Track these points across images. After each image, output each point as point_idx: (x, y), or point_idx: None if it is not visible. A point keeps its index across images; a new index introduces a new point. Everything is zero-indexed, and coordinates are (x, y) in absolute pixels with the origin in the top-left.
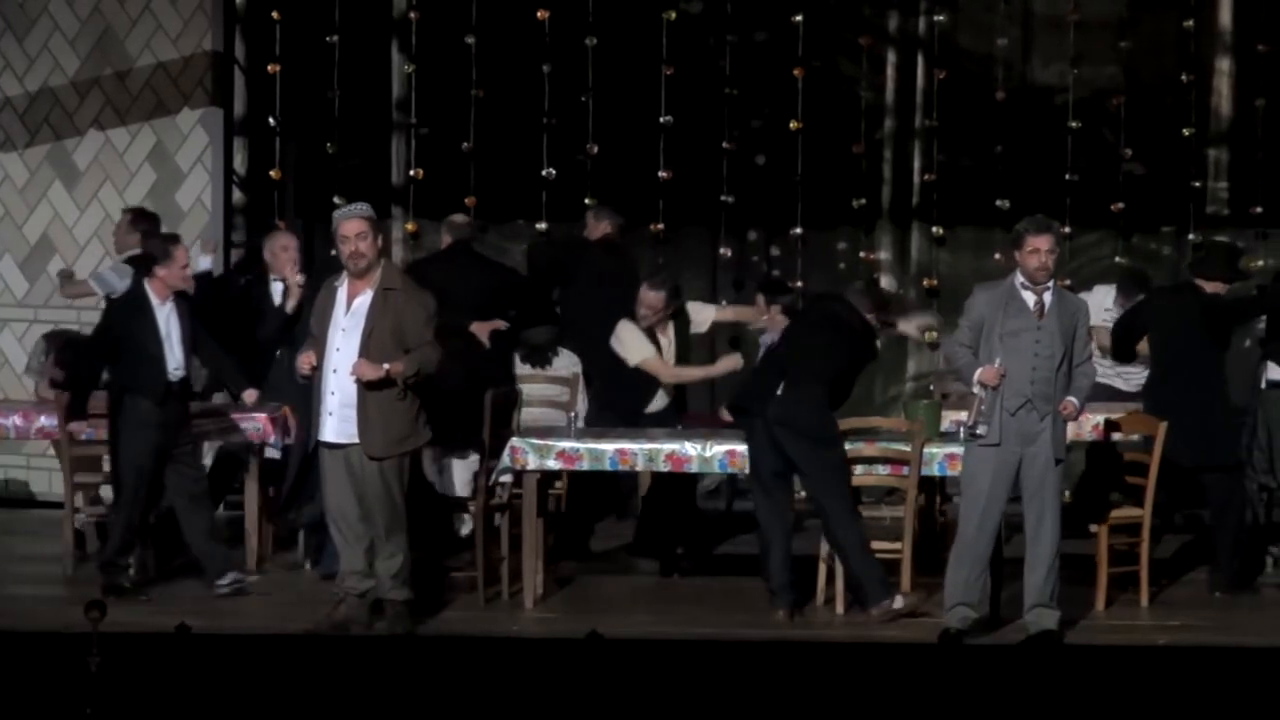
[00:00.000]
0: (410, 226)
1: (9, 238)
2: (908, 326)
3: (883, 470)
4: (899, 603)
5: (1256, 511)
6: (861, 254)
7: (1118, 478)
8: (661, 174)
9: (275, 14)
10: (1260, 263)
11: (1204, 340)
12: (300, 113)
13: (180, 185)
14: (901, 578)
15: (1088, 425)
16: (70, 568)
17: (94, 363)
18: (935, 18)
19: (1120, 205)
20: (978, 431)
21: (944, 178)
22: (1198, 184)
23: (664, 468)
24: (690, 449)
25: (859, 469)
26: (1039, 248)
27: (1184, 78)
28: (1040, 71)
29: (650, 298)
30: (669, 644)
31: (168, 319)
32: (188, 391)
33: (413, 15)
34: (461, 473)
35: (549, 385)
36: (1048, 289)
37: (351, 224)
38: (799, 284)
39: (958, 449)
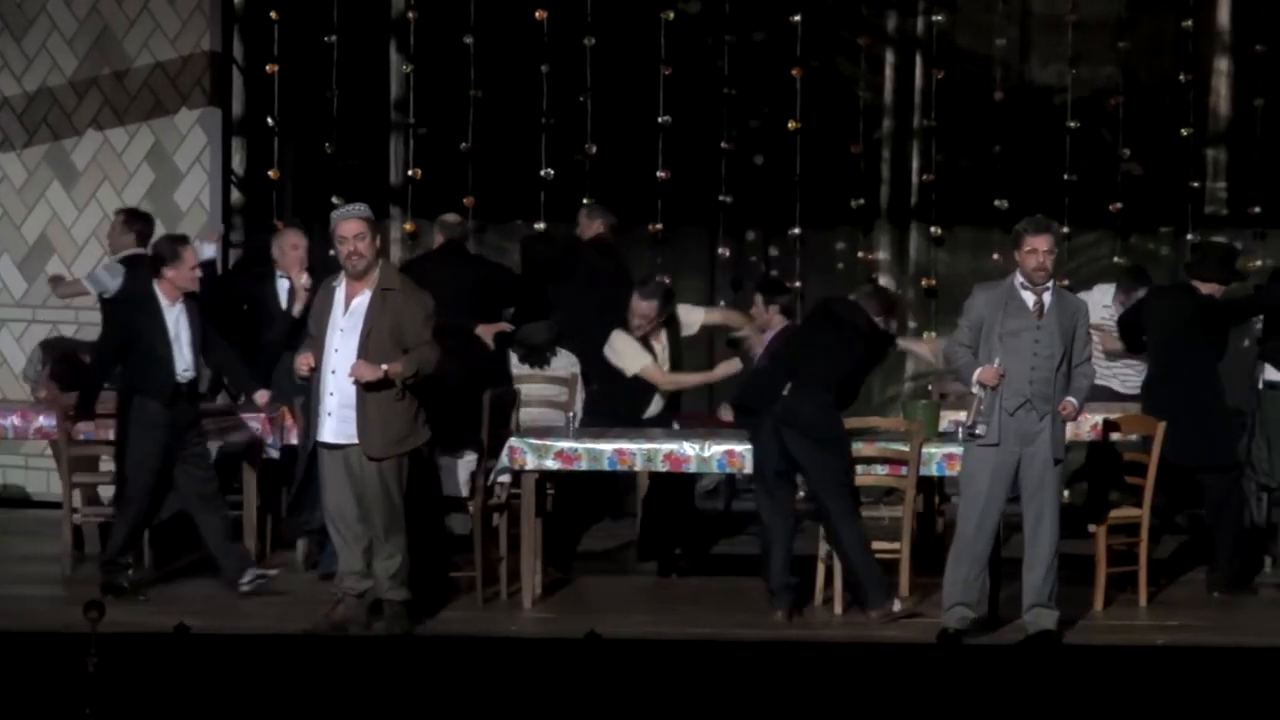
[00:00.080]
0: (409, 226)
1: (7, 238)
2: (921, 350)
3: (881, 470)
4: (898, 606)
5: (1254, 512)
6: (860, 254)
7: (1117, 478)
8: (660, 174)
9: (273, 14)
10: (1259, 262)
11: (1198, 341)
12: (298, 113)
13: (178, 185)
14: (900, 578)
15: (1086, 425)
16: (68, 568)
17: (104, 363)
18: (933, 18)
19: (1118, 205)
20: (977, 431)
21: (942, 178)
22: (1196, 184)
23: (662, 468)
24: (688, 449)
25: (858, 469)
26: (1038, 248)
27: (1182, 78)
28: (1039, 71)
29: (642, 307)
30: (667, 644)
31: (177, 320)
32: (197, 393)
33: (411, 15)
34: (458, 472)
35: (547, 385)
36: (1047, 289)
37: (350, 225)
38: (797, 284)
39: (956, 449)
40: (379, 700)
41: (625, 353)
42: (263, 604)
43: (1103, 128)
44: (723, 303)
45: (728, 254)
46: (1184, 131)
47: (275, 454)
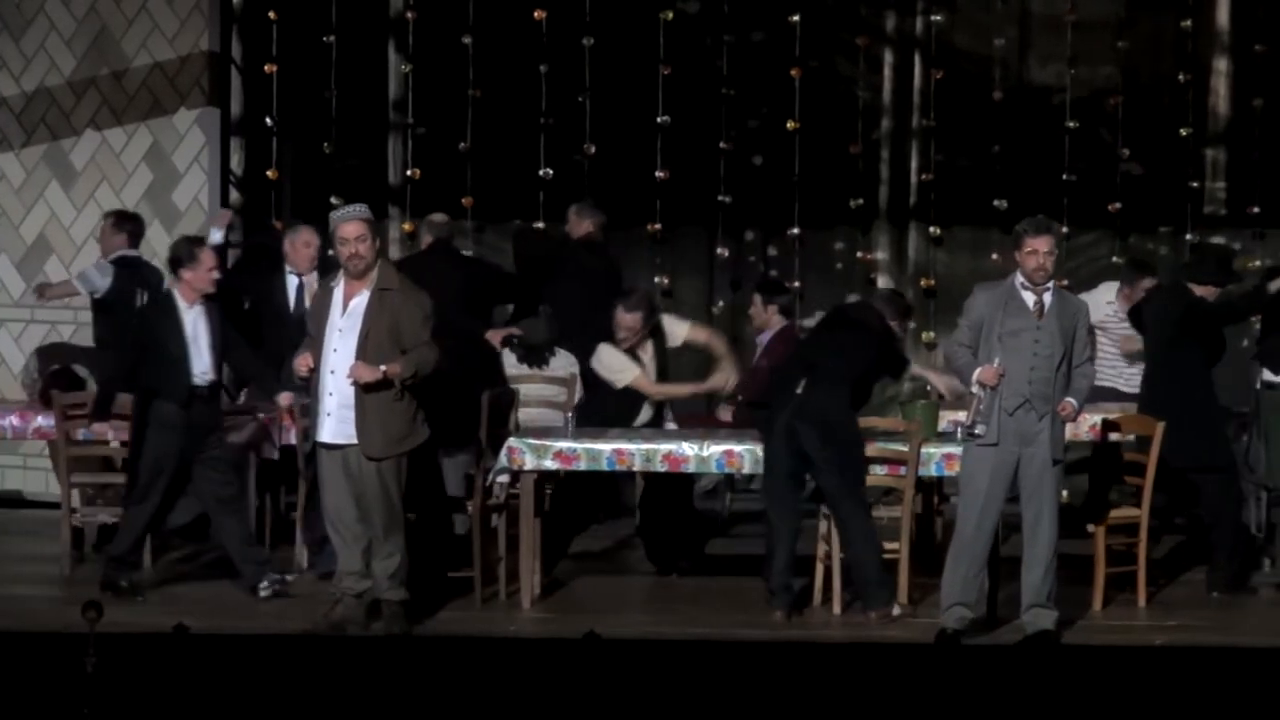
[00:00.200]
0: (407, 226)
1: (5, 238)
2: (936, 381)
3: (880, 470)
4: (897, 610)
5: (1253, 512)
6: (859, 254)
7: (1117, 478)
8: (658, 174)
9: (272, 14)
10: (1257, 263)
11: (1188, 342)
12: (297, 113)
13: (177, 185)
14: (899, 578)
15: (1085, 425)
16: (67, 568)
17: (123, 365)
18: (932, 18)
19: (1118, 205)
20: (976, 431)
21: (941, 178)
22: (1195, 184)
23: (661, 468)
24: (687, 449)
25: None
26: (1038, 249)
27: (1181, 78)
28: (1038, 71)
29: (627, 319)
30: (666, 644)
31: (195, 322)
32: (216, 396)
33: (410, 15)
34: (452, 472)
35: (546, 385)
36: (1047, 289)
37: (350, 226)
38: (796, 284)
39: (955, 449)
40: (377, 700)
41: (613, 365)
42: (261, 604)
43: (1102, 128)
44: (721, 302)
45: (726, 254)
46: (1183, 131)
47: (274, 455)
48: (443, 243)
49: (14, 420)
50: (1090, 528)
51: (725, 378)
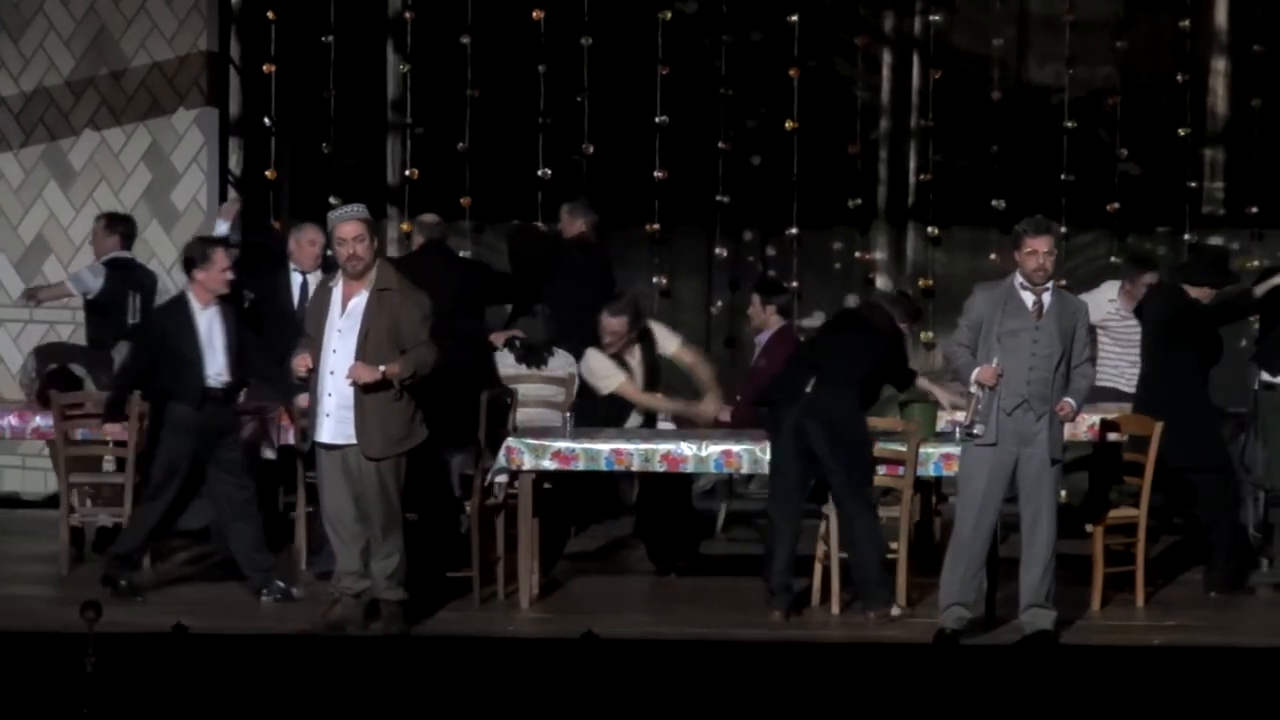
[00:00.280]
0: (405, 227)
1: (4, 238)
2: (942, 396)
3: (879, 470)
4: (896, 611)
5: (1251, 512)
6: (857, 254)
7: (1116, 478)
8: (657, 174)
9: (270, 14)
10: (1255, 263)
11: (1180, 343)
12: (296, 113)
13: (175, 185)
14: (898, 578)
15: (1084, 425)
16: (65, 568)
17: (136, 366)
18: (931, 18)
19: (1116, 205)
20: (974, 431)
21: (940, 178)
22: (1193, 184)
23: (659, 468)
24: (686, 449)
25: None
26: (1037, 249)
27: (1180, 78)
28: (1036, 71)
29: (612, 324)
30: (665, 644)
31: (209, 324)
32: (232, 398)
33: (408, 15)
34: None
35: (544, 385)
36: (1047, 289)
37: (348, 226)
38: (794, 284)
39: (954, 449)
40: (376, 700)
41: (599, 371)
42: (260, 604)
43: (1100, 128)
44: (720, 302)
45: (725, 254)
46: (1181, 131)
47: (272, 454)
48: (435, 243)
49: (12, 420)
50: (1089, 528)
51: (710, 408)
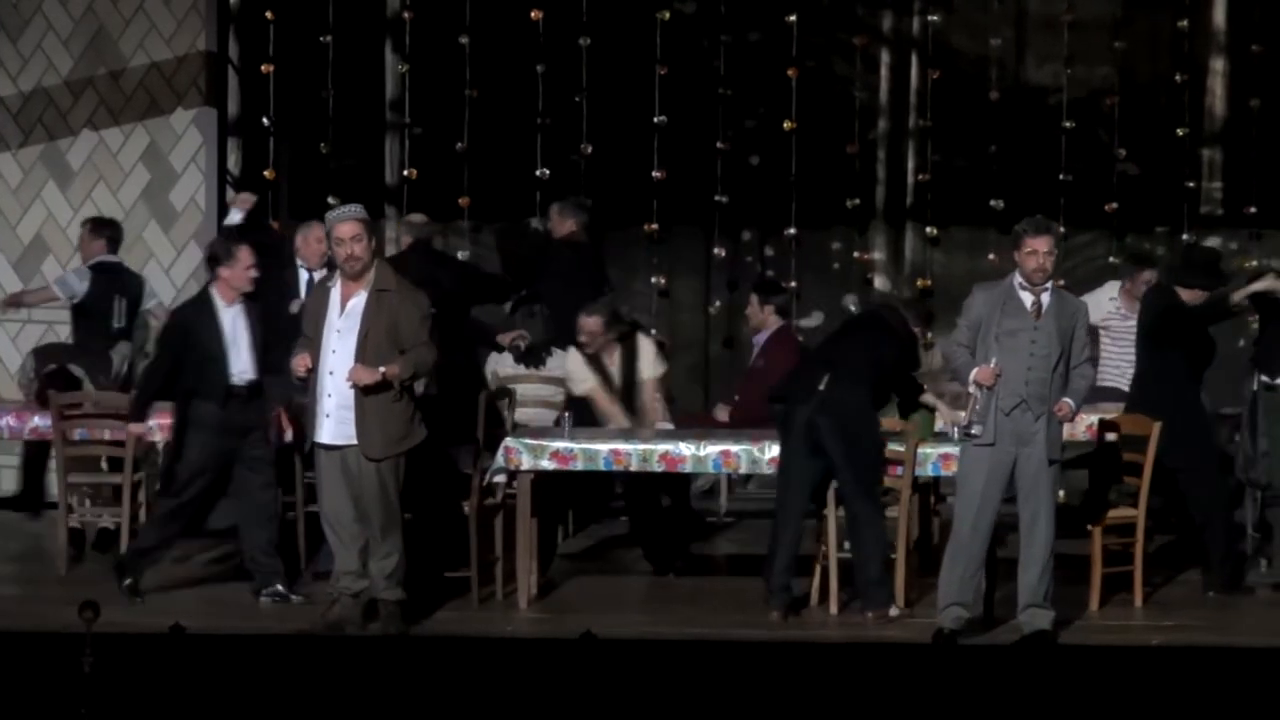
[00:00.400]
0: None
1: (2, 238)
2: (944, 412)
3: None
4: (894, 612)
5: (1247, 512)
6: (856, 254)
7: (1115, 478)
8: (655, 174)
9: (269, 14)
10: (1254, 263)
11: (1167, 343)
12: (294, 113)
13: (174, 185)
14: (896, 577)
15: (1082, 426)
16: (64, 568)
17: (162, 365)
18: (929, 18)
19: (1114, 205)
20: (972, 431)
21: (938, 178)
22: (1192, 184)
23: (658, 468)
24: (684, 449)
25: None
26: (1037, 249)
27: (1178, 78)
28: (1034, 71)
29: (588, 323)
30: (663, 644)
31: (233, 321)
32: (257, 396)
33: (406, 15)
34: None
35: (542, 385)
36: (1046, 289)
37: (346, 226)
38: (793, 284)
39: (952, 449)
40: (374, 700)
41: (574, 373)
42: (258, 604)
43: (1098, 128)
44: (718, 302)
45: (723, 254)
46: (1180, 131)
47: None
48: (423, 243)
49: (11, 420)
50: (1087, 527)
51: (659, 421)
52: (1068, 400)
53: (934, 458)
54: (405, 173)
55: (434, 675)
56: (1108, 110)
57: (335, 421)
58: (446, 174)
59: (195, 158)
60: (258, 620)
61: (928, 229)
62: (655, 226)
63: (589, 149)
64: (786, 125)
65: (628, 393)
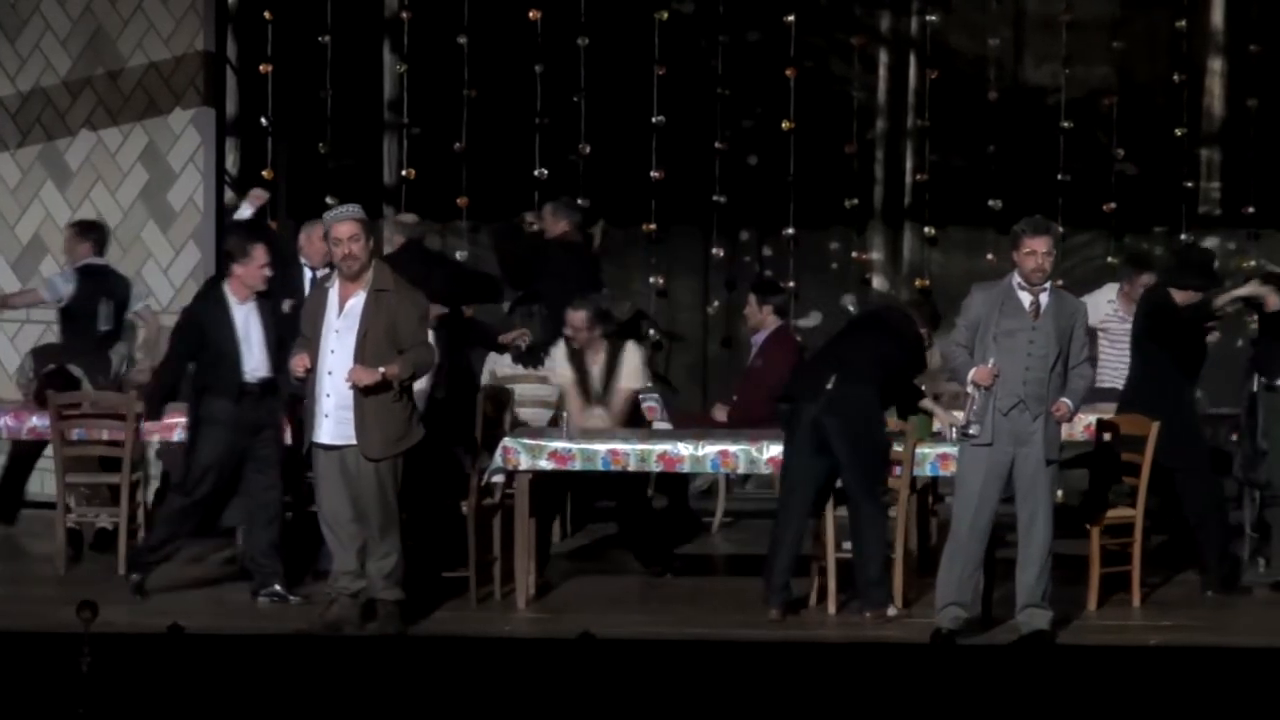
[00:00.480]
0: None
1: (1, 238)
2: (942, 417)
3: None
4: (892, 611)
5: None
6: (854, 254)
7: (1114, 478)
8: (654, 174)
9: (267, 14)
10: (1252, 263)
11: (1155, 343)
12: (292, 113)
13: (172, 185)
14: (895, 577)
15: (1079, 426)
16: (62, 568)
17: (176, 363)
18: (927, 18)
19: (1112, 205)
20: (970, 431)
21: (936, 178)
22: (1190, 184)
23: (656, 468)
24: (683, 449)
25: None
26: (1036, 249)
27: (1176, 78)
28: (1033, 72)
29: (574, 318)
30: (662, 644)
31: (246, 319)
32: (270, 394)
33: (405, 15)
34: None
35: (541, 385)
36: (1044, 290)
37: (344, 226)
38: (791, 284)
39: (950, 449)
40: (373, 700)
41: (554, 364)
42: (256, 604)
43: (1097, 128)
44: (716, 302)
45: (722, 254)
46: (1178, 132)
47: None
48: (415, 243)
49: (9, 420)
50: (1086, 527)
51: (601, 422)
52: (1066, 400)
53: (932, 458)
54: (403, 173)
55: (432, 675)
56: (1106, 110)
57: (334, 422)
58: (445, 174)
59: (193, 158)
60: (256, 620)
61: (926, 229)
62: (653, 226)
63: (587, 149)
64: (785, 125)
65: (603, 395)
